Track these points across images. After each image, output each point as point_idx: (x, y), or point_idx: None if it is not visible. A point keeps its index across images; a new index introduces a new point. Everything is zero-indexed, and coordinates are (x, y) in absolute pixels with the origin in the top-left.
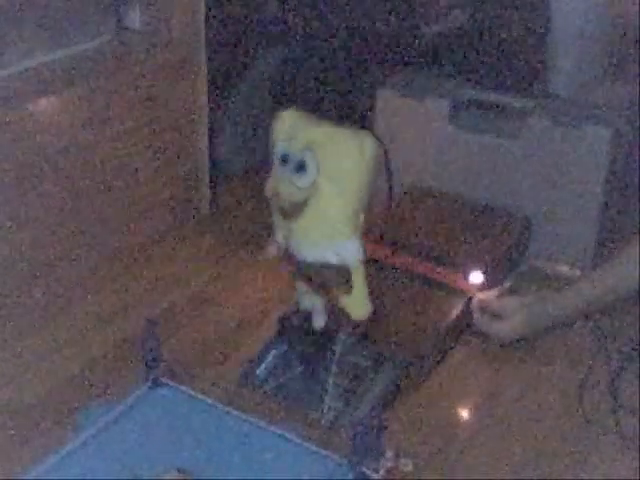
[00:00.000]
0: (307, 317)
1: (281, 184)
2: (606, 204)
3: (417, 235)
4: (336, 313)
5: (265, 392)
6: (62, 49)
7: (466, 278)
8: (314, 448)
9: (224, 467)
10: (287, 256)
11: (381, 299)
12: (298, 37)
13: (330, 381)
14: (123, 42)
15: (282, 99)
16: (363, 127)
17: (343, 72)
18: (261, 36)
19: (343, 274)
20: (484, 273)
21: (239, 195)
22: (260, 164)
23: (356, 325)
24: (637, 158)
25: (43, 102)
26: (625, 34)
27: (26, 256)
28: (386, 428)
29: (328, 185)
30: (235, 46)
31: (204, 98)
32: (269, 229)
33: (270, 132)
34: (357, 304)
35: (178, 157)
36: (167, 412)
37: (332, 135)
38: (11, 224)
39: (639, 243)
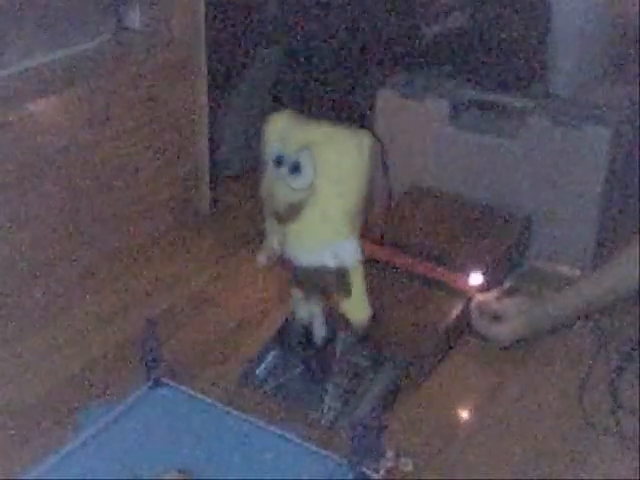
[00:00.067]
0: (305, 328)
1: (276, 187)
2: (606, 204)
3: (417, 235)
4: (335, 316)
5: (265, 392)
6: (62, 49)
7: (466, 278)
8: (314, 448)
9: (224, 467)
10: (282, 262)
11: (381, 299)
12: (298, 37)
13: (330, 381)
14: (123, 42)
15: (282, 99)
16: (361, 126)
17: (343, 72)
18: (261, 36)
19: (342, 277)
20: (484, 273)
21: (239, 195)
22: (260, 164)
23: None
24: (637, 158)
25: (43, 102)
26: (625, 34)
27: (26, 256)
28: (386, 428)
29: (327, 185)
30: (235, 46)
31: (204, 98)
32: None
33: (262, 134)
34: (357, 308)
35: (178, 157)
36: (167, 412)
37: (329, 134)
38: (11, 224)
39: (639, 243)
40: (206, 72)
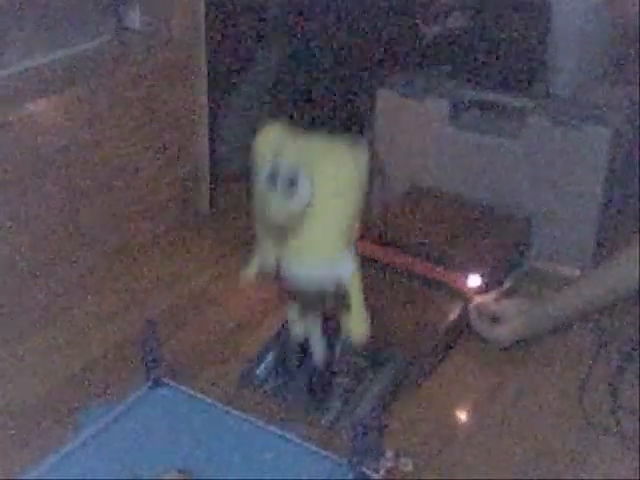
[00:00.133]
0: (301, 346)
1: (270, 203)
2: (606, 204)
3: (417, 235)
4: (334, 327)
5: (265, 392)
6: (62, 49)
7: (466, 278)
8: (314, 448)
9: (224, 467)
10: (279, 279)
11: (381, 299)
12: (298, 37)
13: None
14: (123, 42)
15: (282, 99)
16: (348, 129)
17: (343, 72)
18: (261, 36)
19: (340, 293)
20: (483, 274)
21: (239, 195)
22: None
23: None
24: (637, 158)
25: (43, 102)
26: (625, 34)
27: (26, 256)
28: (386, 428)
29: (325, 202)
30: (235, 46)
31: (204, 98)
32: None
33: (253, 148)
34: (356, 322)
35: (178, 157)
36: (167, 412)
37: (325, 150)
38: (11, 224)
39: (639, 243)
40: (206, 72)
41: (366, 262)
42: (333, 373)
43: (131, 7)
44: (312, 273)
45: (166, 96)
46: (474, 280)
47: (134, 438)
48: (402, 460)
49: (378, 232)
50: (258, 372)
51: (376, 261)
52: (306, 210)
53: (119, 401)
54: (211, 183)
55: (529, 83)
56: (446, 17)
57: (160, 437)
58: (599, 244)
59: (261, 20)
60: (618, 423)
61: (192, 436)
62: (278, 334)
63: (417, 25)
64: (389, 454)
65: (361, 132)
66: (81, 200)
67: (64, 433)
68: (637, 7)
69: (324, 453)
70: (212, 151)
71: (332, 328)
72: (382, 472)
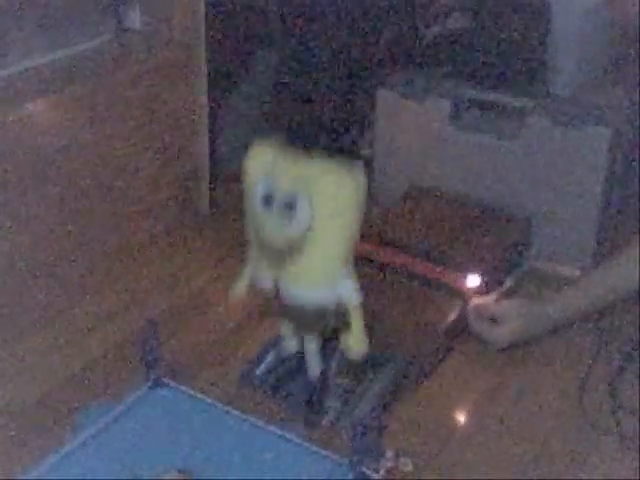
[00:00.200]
0: (295, 361)
1: (266, 226)
2: (606, 204)
3: (417, 235)
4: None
5: (265, 392)
6: (62, 49)
7: (465, 278)
8: (314, 448)
9: (224, 467)
10: (274, 297)
11: (381, 299)
12: (298, 37)
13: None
14: (123, 42)
15: (282, 99)
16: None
17: (343, 72)
18: (261, 36)
19: (341, 313)
20: (483, 274)
21: (239, 195)
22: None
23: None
24: (637, 158)
25: (43, 102)
26: (625, 34)
27: (26, 256)
28: (386, 428)
29: (325, 225)
30: (235, 46)
31: (204, 98)
32: None
33: (244, 169)
34: (355, 341)
35: (178, 157)
36: (167, 412)
37: (323, 172)
38: (11, 224)
39: (639, 243)
40: (206, 72)
41: (366, 262)
42: (328, 386)
43: (131, 7)
44: (312, 295)
45: (166, 96)
46: (473, 280)
47: (134, 438)
48: (402, 460)
49: (378, 232)
50: (258, 372)
51: (376, 261)
52: (305, 233)
53: (119, 401)
54: (211, 183)
55: (529, 83)
56: (446, 18)
57: (160, 437)
58: (599, 244)
59: (261, 20)
60: (618, 423)
61: (192, 436)
62: (278, 335)
63: (417, 26)
64: (389, 454)
65: (361, 132)
66: (81, 200)
67: (64, 433)
68: (637, 7)
69: (324, 453)
70: (212, 151)
71: (329, 346)
72: (382, 472)
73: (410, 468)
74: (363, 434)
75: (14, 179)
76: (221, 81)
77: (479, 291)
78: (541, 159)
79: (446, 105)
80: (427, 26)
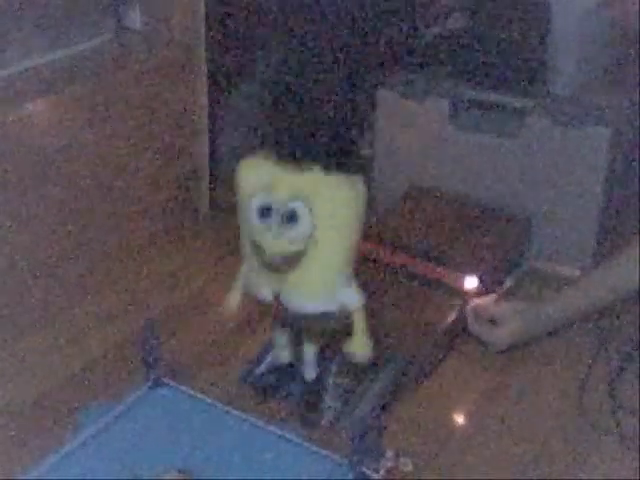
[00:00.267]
0: (287, 369)
1: (265, 237)
2: (606, 204)
3: (417, 235)
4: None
5: (265, 392)
6: (62, 49)
7: (466, 277)
8: (314, 448)
9: (224, 467)
10: (275, 307)
11: (381, 299)
12: (298, 37)
13: (330, 381)
14: (123, 42)
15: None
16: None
17: (343, 72)
18: (261, 36)
19: (344, 320)
20: (482, 274)
21: None
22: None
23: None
24: (637, 158)
25: (43, 102)
26: (625, 34)
27: (26, 256)
28: (386, 428)
29: (327, 234)
30: (235, 46)
31: (204, 98)
32: None
33: (237, 183)
34: (359, 346)
35: (178, 157)
36: (167, 412)
37: (324, 183)
38: (11, 224)
39: (639, 243)
40: (206, 72)
41: (366, 262)
42: (325, 387)
43: (131, 7)
44: (315, 303)
45: (166, 96)
46: (471, 282)
47: (134, 438)
48: (402, 460)
49: (378, 232)
50: (258, 372)
51: (376, 261)
52: (307, 244)
53: (119, 401)
54: (211, 183)
55: (529, 83)
56: (446, 18)
57: (160, 437)
58: (599, 244)
59: (261, 20)
60: (618, 423)
61: (192, 436)
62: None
63: (417, 27)
64: (389, 454)
65: (361, 132)
66: (81, 200)
67: (64, 433)
68: (637, 7)
69: (324, 453)
70: (212, 151)
71: (328, 354)
72: (382, 472)
73: (410, 468)
74: (363, 434)
75: (14, 179)
76: (221, 81)
77: (479, 291)
78: (541, 159)
79: (446, 105)
80: (427, 26)
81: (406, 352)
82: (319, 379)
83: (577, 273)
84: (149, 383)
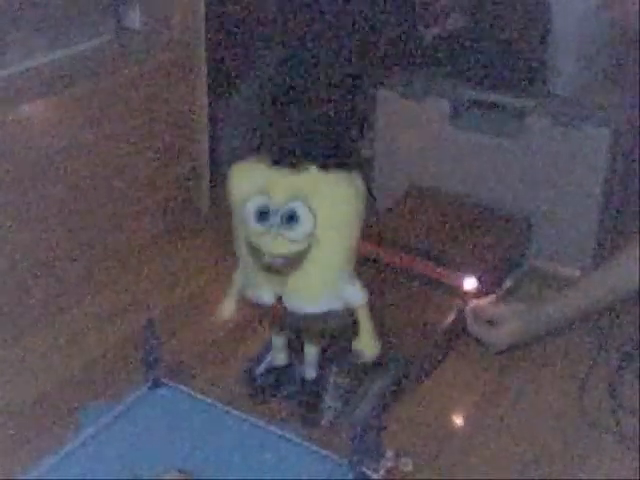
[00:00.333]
0: (285, 371)
1: (264, 240)
2: (606, 204)
3: (417, 235)
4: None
5: (264, 392)
6: (62, 49)
7: (465, 278)
8: (314, 448)
9: (224, 467)
10: (272, 310)
11: (381, 299)
12: (298, 37)
13: (330, 381)
14: (123, 42)
15: (282, 99)
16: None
17: (343, 72)
18: (261, 36)
19: (349, 318)
20: (482, 275)
21: None
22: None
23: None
24: (637, 158)
25: (43, 102)
26: (625, 34)
27: (26, 256)
28: (386, 428)
29: (328, 233)
30: (235, 46)
31: (204, 98)
32: None
33: (229, 190)
34: (367, 343)
35: (178, 157)
36: (167, 412)
37: (323, 181)
38: (11, 224)
39: (639, 243)
40: (206, 72)
41: (366, 262)
42: (325, 387)
43: (131, 7)
44: (318, 303)
45: (166, 96)
46: (470, 283)
47: (134, 438)
48: (402, 460)
49: (378, 232)
50: (258, 372)
51: (376, 261)
52: (308, 244)
53: (119, 401)
54: (211, 183)
55: (529, 83)
56: (446, 18)
57: (160, 437)
58: (599, 244)
59: (261, 20)
60: (618, 423)
61: (192, 436)
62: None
63: (417, 27)
64: (389, 454)
65: (361, 132)
66: (81, 200)
67: (64, 433)
68: (637, 7)
69: (324, 453)
70: (212, 151)
71: (328, 354)
72: (382, 472)
73: (410, 468)
74: (363, 434)
75: (14, 179)
76: (221, 81)
77: (478, 292)
78: (541, 159)
79: (446, 105)
80: (427, 26)
81: (406, 352)
82: (319, 379)
83: (577, 273)
84: (149, 383)
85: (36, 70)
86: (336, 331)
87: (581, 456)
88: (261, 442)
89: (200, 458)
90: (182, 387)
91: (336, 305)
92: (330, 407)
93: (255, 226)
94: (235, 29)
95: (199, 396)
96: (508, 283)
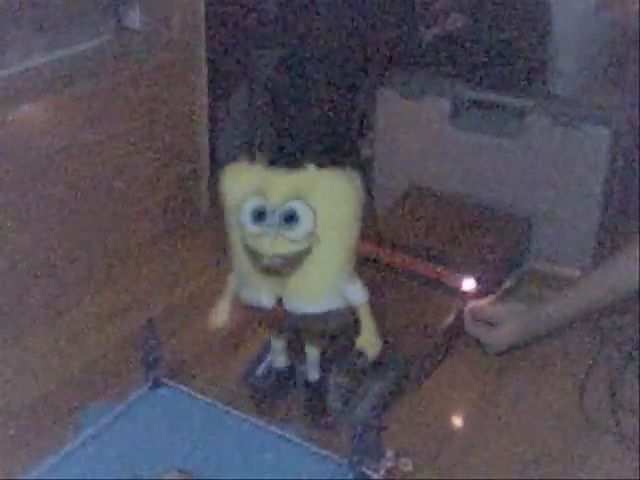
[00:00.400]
0: (284, 375)
1: (261, 241)
2: (606, 204)
3: (416, 235)
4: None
5: (265, 392)
6: (62, 49)
7: (464, 279)
8: (314, 448)
9: (224, 467)
10: (272, 312)
11: (381, 299)
12: (298, 37)
13: (331, 381)
14: (123, 42)
15: (282, 99)
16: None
17: (343, 72)
18: (261, 36)
19: (350, 317)
20: (482, 275)
21: None
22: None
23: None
24: (637, 158)
25: (43, 102)
26: (625, 34)
27: (26, 256)
28: (386, 428)
29: (328, 232)
30: (235, 46)
31: (204, 98)
32: None
33: (223, 192)
34: (369, 342)
35: (178, 157)
36: (167, 412)
37: (322, 179)
38: (11, 224)
39: (639, 243)
40: (206, 72)
41: (366, 262)
42: (325, 389)
43: (131, 7)
44: (321, 303)
45: (166, 96)
46: (469, 283)
47: (134, 438)
48: (402, 460)
49: (378, 232)
50: (258, 372)
51: (376, 261)
52: (308, 243)
53: (119, 401)
54: (211, 183)
55: (529, 83)
56: (446, 18)
57: (160, 437)
58: (599, 244)
59: (261, 20)
60: (618, 423)
61: (192, 436)
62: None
63: (417, 28)
64: (389, 454)
65: (361, 132)
66: (81, 200)
67: (64, 433)
68: (637, 7)
69: (324, 453)
70: (212, 151)
71: (328, 354)
72: (382, 472)
73: (410, 468)
74: (363, 434)
75: (14, 179)
76: (221, 81)
77: (478, 292)
78: (541, 159)
79: (446, 105)
80: (427, 26)
81: (406, 352)
82: (323, 380)
83: (577, 273)
84: (149, 383)
85: (36, 70)
86: (336, 331)
87: (581, 456)
88: (261, 442)
89: (200, 458)
90: (182, 387)
91: (336, 305)
92: (330, 407)
93: (252, 228)
94: (235, 29)
95: (199, 396)
96: (508, 283)
